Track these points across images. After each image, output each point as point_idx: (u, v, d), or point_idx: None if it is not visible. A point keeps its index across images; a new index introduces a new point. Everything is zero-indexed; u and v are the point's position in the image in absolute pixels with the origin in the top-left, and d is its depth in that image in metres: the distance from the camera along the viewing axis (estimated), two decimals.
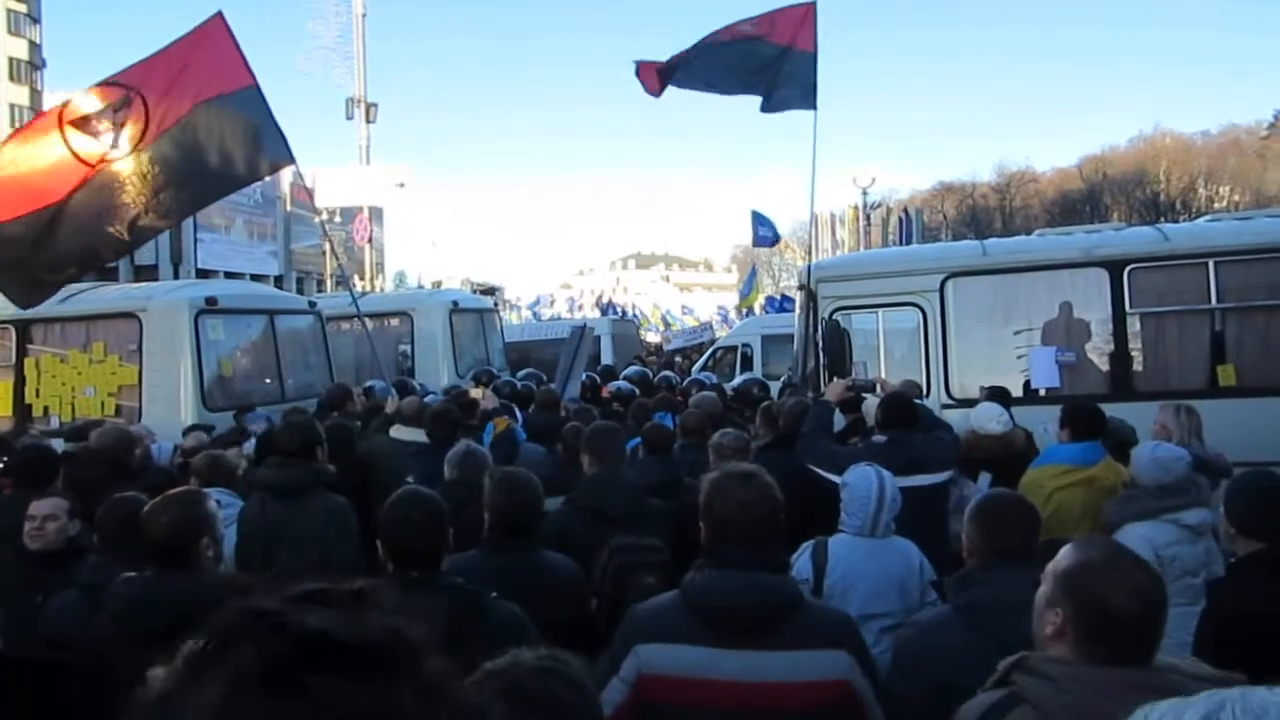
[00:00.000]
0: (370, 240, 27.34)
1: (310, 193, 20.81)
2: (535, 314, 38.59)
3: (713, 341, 20.09)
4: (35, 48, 46.94)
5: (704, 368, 15.90)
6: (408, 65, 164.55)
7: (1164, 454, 4.16)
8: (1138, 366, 7.58)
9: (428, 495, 3.09)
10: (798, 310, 9.60)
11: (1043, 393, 7.51)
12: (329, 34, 21.99)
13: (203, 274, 39.25)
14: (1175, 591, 3.86)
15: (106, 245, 6.76)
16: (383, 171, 21.12)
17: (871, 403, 5.48)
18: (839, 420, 5.66)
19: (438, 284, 36.76)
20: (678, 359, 20.21)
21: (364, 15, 20.43)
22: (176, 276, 39.00)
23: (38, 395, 8.81)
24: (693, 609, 2.48)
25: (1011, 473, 4.98)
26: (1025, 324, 7.79)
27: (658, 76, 8.93)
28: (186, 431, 7.06)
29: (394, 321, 13.08)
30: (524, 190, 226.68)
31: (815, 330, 7.82)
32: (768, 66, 8.65)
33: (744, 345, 16.72)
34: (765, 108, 8.78)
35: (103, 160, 6.51)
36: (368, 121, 20.47)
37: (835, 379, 6.27)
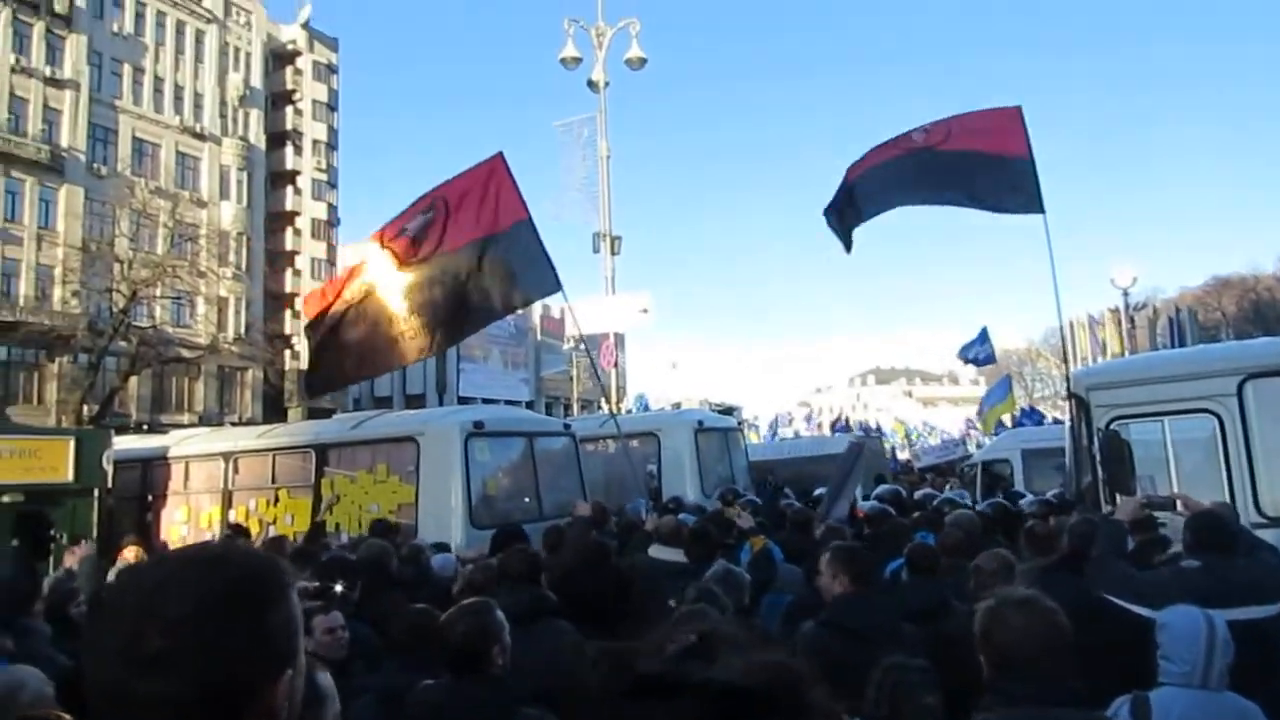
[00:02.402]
0: (615, 364, 28.58)
1: (562, 323, 22.00)
2: (770, 434, 38.09)
3: (966, 457, 18.97)
4: (332, 209, 54.23)
5: (963, 485, 14.97)
6: (646, 196, 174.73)
7: None
8: None
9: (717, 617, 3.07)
10: (1067, 421, 8.90)
11: None
12: (576, 178, 23.79)
13: (463, 401, 42.51)
14: None
15: (390, 355, 7.72)
16: (627, 300, 22.09)
17: (1177, 523, 4.84)
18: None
19: (677, 405, 37.56)
20: (928, 475, 19.23)
21: (608, 157, 21.81)
22: (441, 403, 42.52)
23: (330, 512, 9.70)
24: None
25: None
26: None
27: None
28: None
29: (640, 442, 13.40)
30: (760, 308, 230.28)
31: (1090, 442, 7.19)
32: (976, 172, 8.56)
33: (1002, 461, 15.66)
34: (985, 207, 8.68)
35: (407, 260, 7.52)
36: (613, 254, 21.62)
37: (1121, 496, 5.68)
